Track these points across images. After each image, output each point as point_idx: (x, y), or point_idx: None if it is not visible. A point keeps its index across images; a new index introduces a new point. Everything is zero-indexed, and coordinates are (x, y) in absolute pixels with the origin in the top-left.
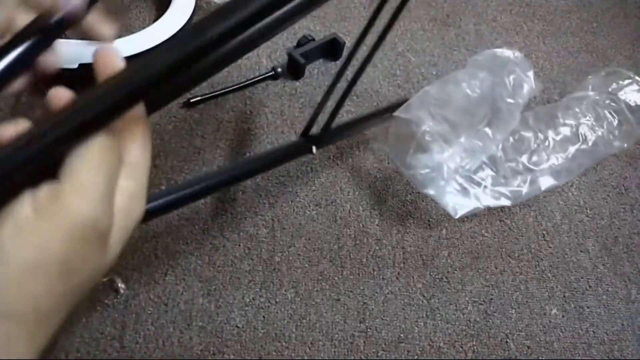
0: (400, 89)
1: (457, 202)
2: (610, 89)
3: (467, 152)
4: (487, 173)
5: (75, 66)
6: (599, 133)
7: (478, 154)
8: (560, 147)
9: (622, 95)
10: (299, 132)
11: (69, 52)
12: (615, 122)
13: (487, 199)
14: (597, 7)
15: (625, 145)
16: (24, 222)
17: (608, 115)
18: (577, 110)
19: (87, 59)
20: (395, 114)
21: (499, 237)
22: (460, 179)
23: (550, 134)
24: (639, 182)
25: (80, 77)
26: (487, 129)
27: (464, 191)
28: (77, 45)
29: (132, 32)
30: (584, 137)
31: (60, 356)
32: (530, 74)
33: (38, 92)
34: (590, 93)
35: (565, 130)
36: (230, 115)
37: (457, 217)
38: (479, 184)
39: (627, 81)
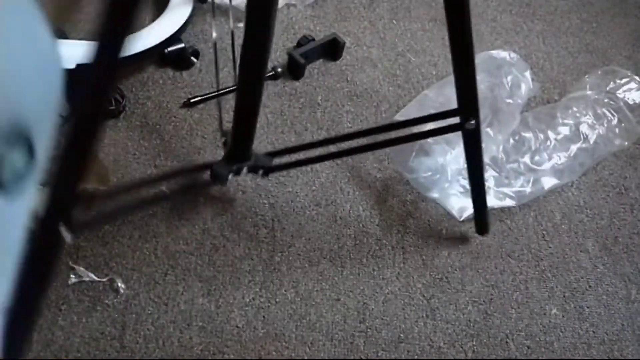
0: (400, 89)
1: (462, 204)
2: (608, 88)
3: None
4: (490, 174)
5: (73, 66)
6: (600, 131)
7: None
8: (562, 146)
9: (620, 94)
10: (299, 132)
11: (66, 52)
12: (615, 121)
13: (491, 200)
14: (597, 7)
15: (626, 143)
16: None
17: (607, 113)
18: (576, 109)
19: (85, 59)
20: (396, 117)
21: (499, 237)
22: (464, 181)
23: (551, 134)
24: (638, 182)
25: (78, 77)
26: (488, 130)
27: (468, 193)
28: (75, 46)
29: (131, 32)
30: (584, 136)
31: (60, 356)
32: (527, 74)
33: None
34: (589, 92)
35: (565, 130)
36: (231, 115)
37: (462, 219)
38: (487, 187)
39: (624, 80)
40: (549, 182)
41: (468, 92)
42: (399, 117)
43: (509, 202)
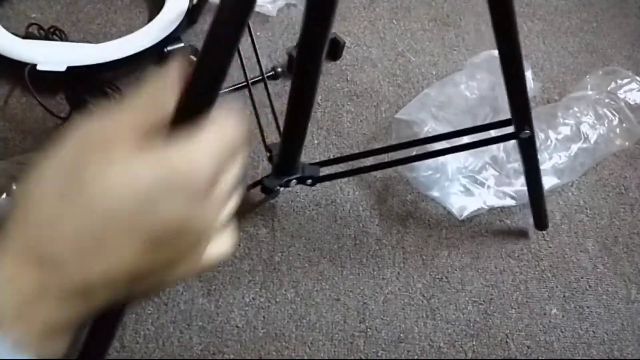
0: (400, 89)
1: (462, 203)
2: (609, 88)
3: (470, 152)
4: (490, 173)
5: (63, 69)
6: (600, 131)
7: (481, 153)
8: (562, 146)
9: (621, 94)
10: None
11: (56, 54)
12: (616, 121)
13: (491, 199)
14: (597, 7)
15: (627, 143)
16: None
17: (608, 113)
18: (576, 109)
19: (75, 62)
20: (397, 116)
21: (499, 237)
22: (464, 180)
23: (551, 133)
24: (638, 182)
25: (67, 79)
26: None
27: (468, 192)
28: (65, 48)
29: (132, 32)
30: (585, 136)
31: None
32: (528, 74)
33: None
34: (590, 92)
35: (566, 130)
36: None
37: (462, 218)
38: (482, 184)
39: (625, 80)
40: (549, 181)
41: (520, 102)
42: (400, 115)
43: (509, 202)
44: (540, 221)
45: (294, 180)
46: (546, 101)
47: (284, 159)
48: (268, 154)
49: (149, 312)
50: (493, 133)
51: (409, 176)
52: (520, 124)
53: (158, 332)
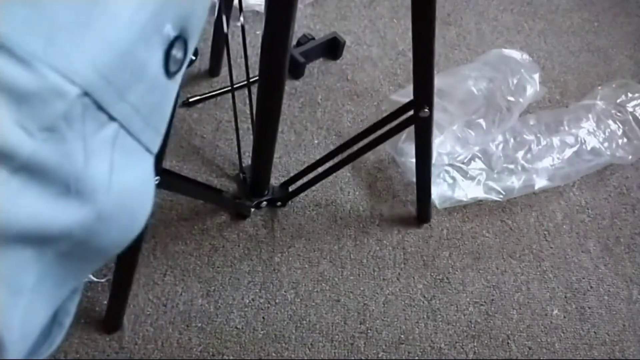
0: (400, 88)
1: (445, 192)
2: (618, 101)
3: (459, 140)
4: (480, 166)
5: None
6: (600, 140)
7: (471, 144)
8: (558, 149)
9: (629, 107)
10: (298, 131)
11: None
12: (620, 132)
13: (475, 192)
14: (599, 7)
15: (630, 157)
16: None
17: (612, 124)
18: (580, 116)
19: None
20: (392, 96)
21: (500, 237)
22: (453, 172)
23: (551, 138)
24: None
25: None
26: (481, 120)
27: (454, 183)
28: None
29: None
30: (582, 142)
31: (59, 357)
32: (536, 76)
33: None
34: (598, 102)
35: (566, 135)
36: (230, 115)
37: (441, 207)
38: (472, 178)
39: (637, 94)
40: (538, 182)
41: (426, 80)
42: (394, 96)
43: (494, 197)
44: (422, 213)
45: (265, 202)
46: (547, 100)
47: (254, 181)
48: (242, 175)
49: (148, 312)
50: (483, 123)
51: (398, 160)
52: (421, 103)
53: (157, 333)
